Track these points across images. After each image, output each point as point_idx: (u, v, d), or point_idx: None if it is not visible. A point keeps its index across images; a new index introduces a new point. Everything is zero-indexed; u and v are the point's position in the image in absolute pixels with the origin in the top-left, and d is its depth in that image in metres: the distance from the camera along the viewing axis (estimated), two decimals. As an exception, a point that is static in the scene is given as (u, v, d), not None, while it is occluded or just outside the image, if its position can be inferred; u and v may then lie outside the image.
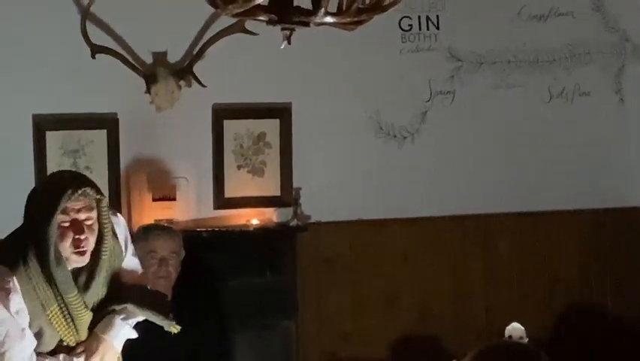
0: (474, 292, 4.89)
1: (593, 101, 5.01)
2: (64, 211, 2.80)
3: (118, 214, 3.12)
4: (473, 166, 4.87)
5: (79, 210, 2.82)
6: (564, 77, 4.95)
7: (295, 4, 2.62)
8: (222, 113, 4.51)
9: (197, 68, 4.36)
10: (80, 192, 2.80)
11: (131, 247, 3.14)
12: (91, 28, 4.20)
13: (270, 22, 2.60)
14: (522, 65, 4.89)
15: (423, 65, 4.76)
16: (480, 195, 4.86)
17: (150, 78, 4.31)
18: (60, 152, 4.29)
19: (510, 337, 3.64)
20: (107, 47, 4.23)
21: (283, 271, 4.54)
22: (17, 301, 2.80)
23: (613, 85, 5.03)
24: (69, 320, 2.90)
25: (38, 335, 2.87)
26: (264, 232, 4.50)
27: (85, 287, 2.91)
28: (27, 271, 2.81)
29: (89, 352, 2.96)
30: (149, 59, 4.39)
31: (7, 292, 2.78)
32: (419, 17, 4.76)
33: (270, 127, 4.58)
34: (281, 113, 4.58)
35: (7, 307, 2.78)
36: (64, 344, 2.94)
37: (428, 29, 4.77)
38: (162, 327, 3.05)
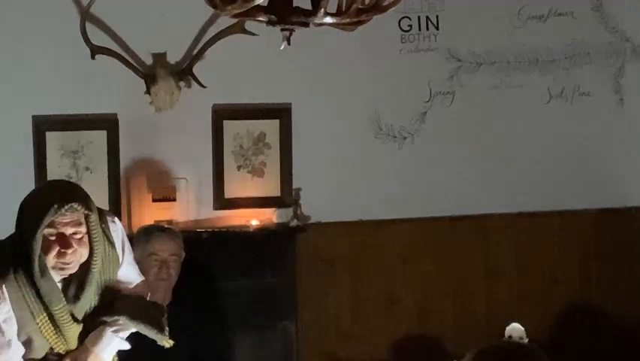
0: (474, 293, 4.89)
1: (593, 101, 5.00)
2: (52, 225, 2.78)
3: (116, 219, 3.08)
4: (473, 166, 4.87)
5: (66, 225, 2.80)
6: (563, 77, 4.94)
7: (295, 4, 2.62)
8: (222, 114, 4.51)
9: (196, 69, 4.36)
10: (66, 207, 2.77)
11: (128, 254, 3.11)
12: (91, 28, 4.20)
13: (269, 22, 2.59)
14: (521, 65, 4.89)
15: (422, 65, 4.76)
16: (480, 195, 4.86)
17: (150, 79, 4.31)
18: (60, 153, 4.29)
19: (510, 337, 3.64)
20: (106, 48, 4.23)
21: (283, 271, 4.54)
22: (6, 309, 2.80)
23: (613, 85, 5.02)
24: (58, 329, 2.88)
25: (28, 343, 2.86)
26: (264, 233, 4.50)
27: (75, 298, 2.90)
28: (17, 280, 2.81)
29: None
30: (148, 60, 4.39)
31: None
32: (419, 17, 4.76)
33: (270, 127, 4.58)
34: (281, 113, 4.58)
35: None
36: (55, 351, 2.92)
37: (428, 29, 4.77)
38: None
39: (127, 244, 3.11)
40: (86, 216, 2.84)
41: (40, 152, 4.27)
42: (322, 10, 2.53)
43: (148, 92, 4.32)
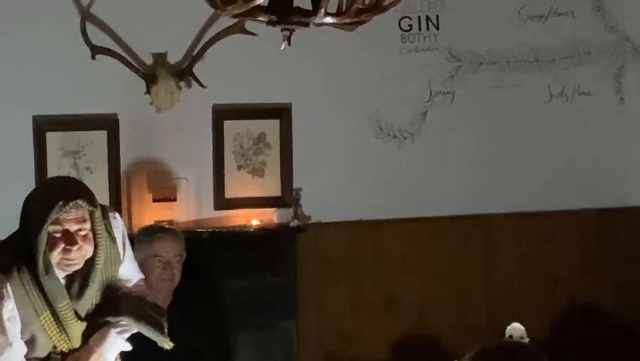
0: (474, 293, 4.89)
1: (593, 101, 5.00)
2: (56, 222, 2.78)
3: (117, 215, 3.09)
4: (473, 166, 4.87)
5: (71, 221, 2.80)
6: (564, 76, 4.95)
7: (295, 4, 2.62)
8: (222, 114, 4.51)
9: (197, 69, 4.36)
10: (71, 204, 2.77)
11: (129, 250, 3.12)
12: (91, 29, 4.21)
13: (269, 22, 2.59)
14: (522, 65, 4.89)
15: (422, 65, 4.76)
16: (480, 195, 4.86)
17: (150, 79, 4.31)
18: (60, 153, 4.29)
19: (510, 337, 3.64)
20: (107, 48, 4.23)
21: (283, 271, 4.54)
22: (10, 307, 2.79)
23: (613, 85, 5.03)
24: (61, 327, 2.88)
25: (31, 341, 2.85)
26: (264, 233, 4.50)
27: (78, 295, 2.89)
28: (21, 277, 2.80)
29: None
30: (149, 60, 4.39)
31: (1, 298, 2.77)
32: (419, 17, 4.76)
33: (270, 127, 4.58)
34: (281, 113, 4.58)
35: None
36: (58, 350, 2.92)
37: (428, 29, 4.77)
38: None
39: (127, 240, 3.11)
40: (91, 213, 2.85)
41: (40, 152, 4.27)
42: (322, 10, 2.53)
43: (148, 92, 4.32)
